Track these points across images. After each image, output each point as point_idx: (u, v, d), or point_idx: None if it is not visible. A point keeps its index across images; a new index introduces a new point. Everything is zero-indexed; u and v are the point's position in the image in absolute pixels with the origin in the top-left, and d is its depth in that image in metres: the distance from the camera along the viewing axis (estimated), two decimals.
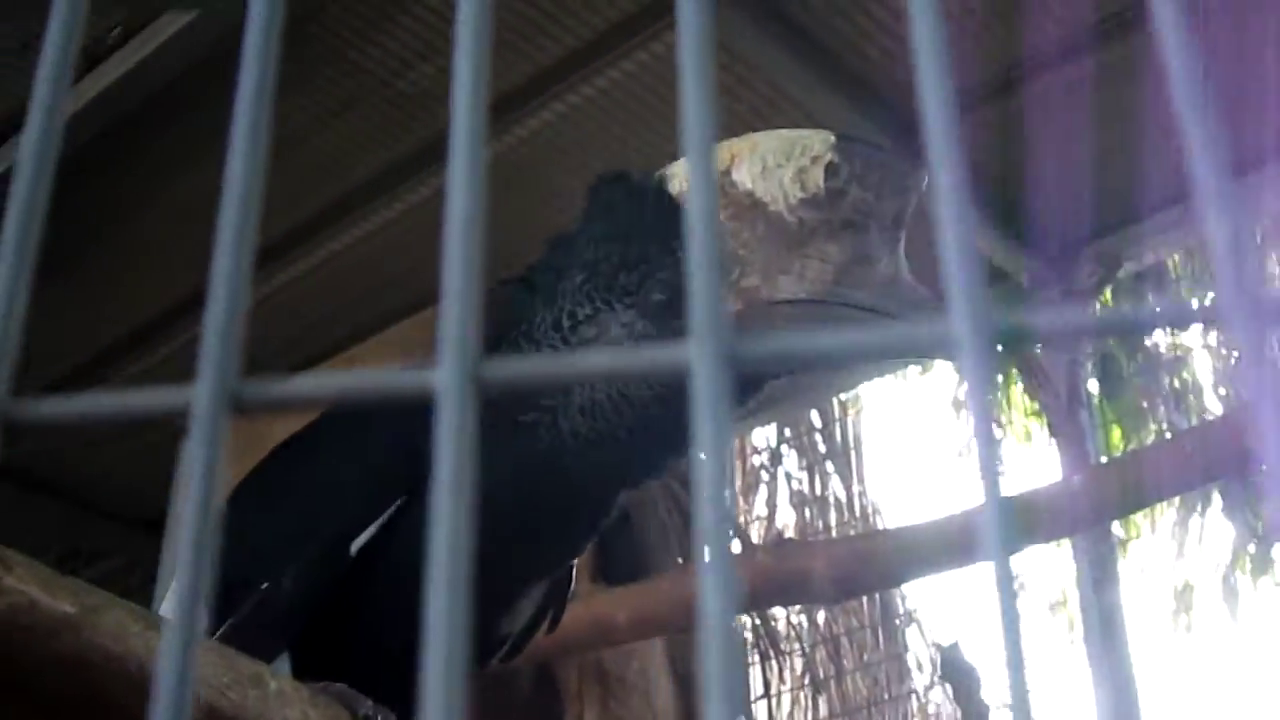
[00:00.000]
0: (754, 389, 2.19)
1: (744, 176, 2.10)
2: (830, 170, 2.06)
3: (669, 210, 2.14)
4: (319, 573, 2.22)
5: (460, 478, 0.58)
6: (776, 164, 2.08)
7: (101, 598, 1.82)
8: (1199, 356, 7.24)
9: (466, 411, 0.58)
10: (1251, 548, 7.76)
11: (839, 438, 7.05)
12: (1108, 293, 5.61)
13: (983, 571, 4.86)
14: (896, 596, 6.58)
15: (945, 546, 4.10)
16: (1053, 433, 4.99)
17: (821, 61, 4.76)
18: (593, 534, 2.33)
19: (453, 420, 0.58)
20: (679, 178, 2.17)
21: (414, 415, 2.29)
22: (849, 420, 7.11)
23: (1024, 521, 3.99)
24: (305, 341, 6.15)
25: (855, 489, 6.92)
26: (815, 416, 6.85)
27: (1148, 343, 6.84)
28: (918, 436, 7.82)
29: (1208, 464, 3.74)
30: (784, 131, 2.15)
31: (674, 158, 4.99)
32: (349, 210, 5.46)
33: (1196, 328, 7.24)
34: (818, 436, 7.03)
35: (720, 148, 2.13)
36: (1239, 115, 4.86)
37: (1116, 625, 4.41)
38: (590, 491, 2.23)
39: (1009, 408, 7.50)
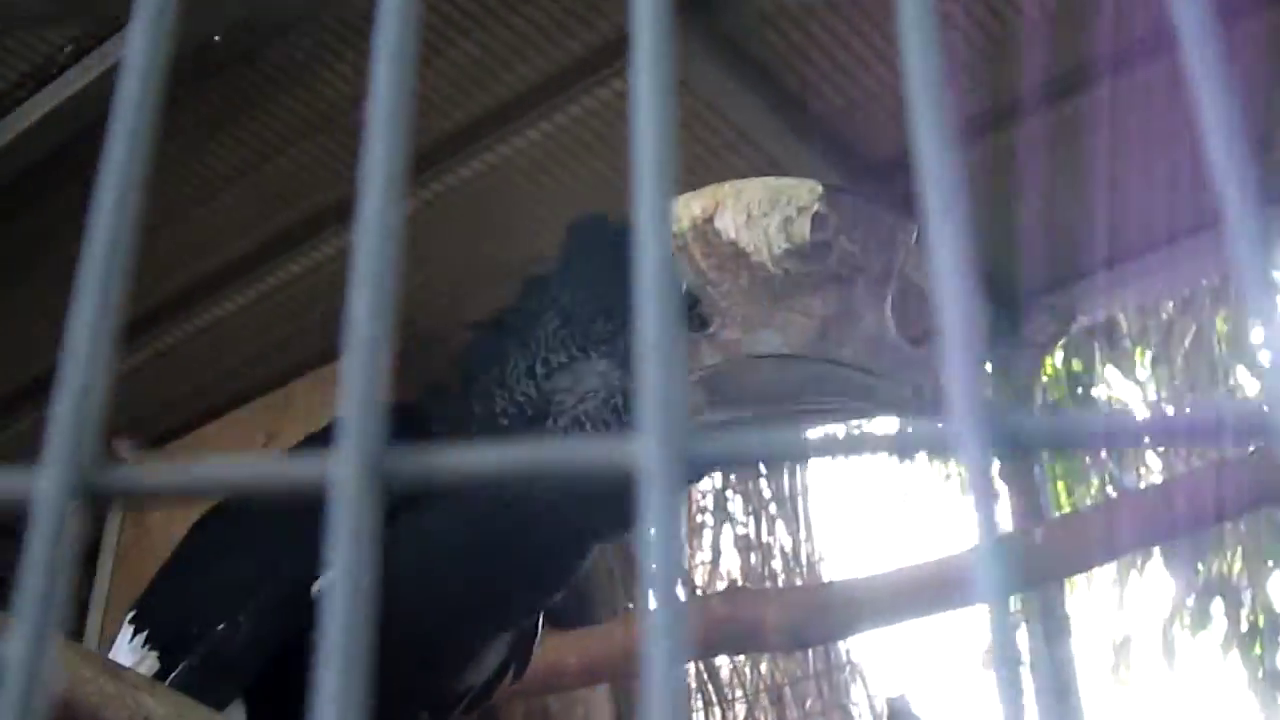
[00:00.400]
0: (703, 474, 2.14)
1: (727, 224, 2.03)
2: (817, 221, 1.99)
3: (607, 264, 2.06)
4: (277, 615, 2.13)
5: (356, 583, 0.50)
6: (762, 213, 2.01)
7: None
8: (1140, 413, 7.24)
9: (366, 507, 0.50)
10: (1190, 601, 7.78)
11: (784, 485, 7.00)
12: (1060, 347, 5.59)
13: (932, 624, 4.82)
14: (840, 646, 6.52)
15: (898, 599, 4.04)
16: (1006, 484, 4.95)
17: (783, 104, 4.73)
18: (561, 586, 2.25)
19: (350, 518, 0.50)
20: (707, 219, 2.09)
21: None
22: (795, 467, 7.07)
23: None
24: (247, 373, 6.05)
25: (800, 537, 6.87)
26: (761, 463, 6.78)
27: (1095, 396, 6.86)
28: (862, 485, 7.77)
29: (1172, 518, 3.70)
30: (770, 180, 2.08)
31: (627, 193, 4.98)
32: (304, 237, 5.38)
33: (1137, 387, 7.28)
34: (763, 483, 6.98)
35: (704, 193, 2.07)
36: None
37: (1069, 679, 4.37)
38: (556, 545, 2.15)
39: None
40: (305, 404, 5.68)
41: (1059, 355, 5.88)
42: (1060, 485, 6.52)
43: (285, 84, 4.74)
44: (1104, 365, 6.98)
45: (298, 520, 2.21)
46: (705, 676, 6.31)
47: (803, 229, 1.99)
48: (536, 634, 2.47)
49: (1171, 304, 6.46)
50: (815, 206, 1.99)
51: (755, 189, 2.05)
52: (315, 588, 2.12)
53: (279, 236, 5.40)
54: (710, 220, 2.03)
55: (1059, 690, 4.32)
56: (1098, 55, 4.62)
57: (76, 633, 5.53)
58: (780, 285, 2.00)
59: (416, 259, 5.40)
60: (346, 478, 0.50)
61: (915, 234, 2.04)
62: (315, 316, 5.77)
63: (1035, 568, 3.86)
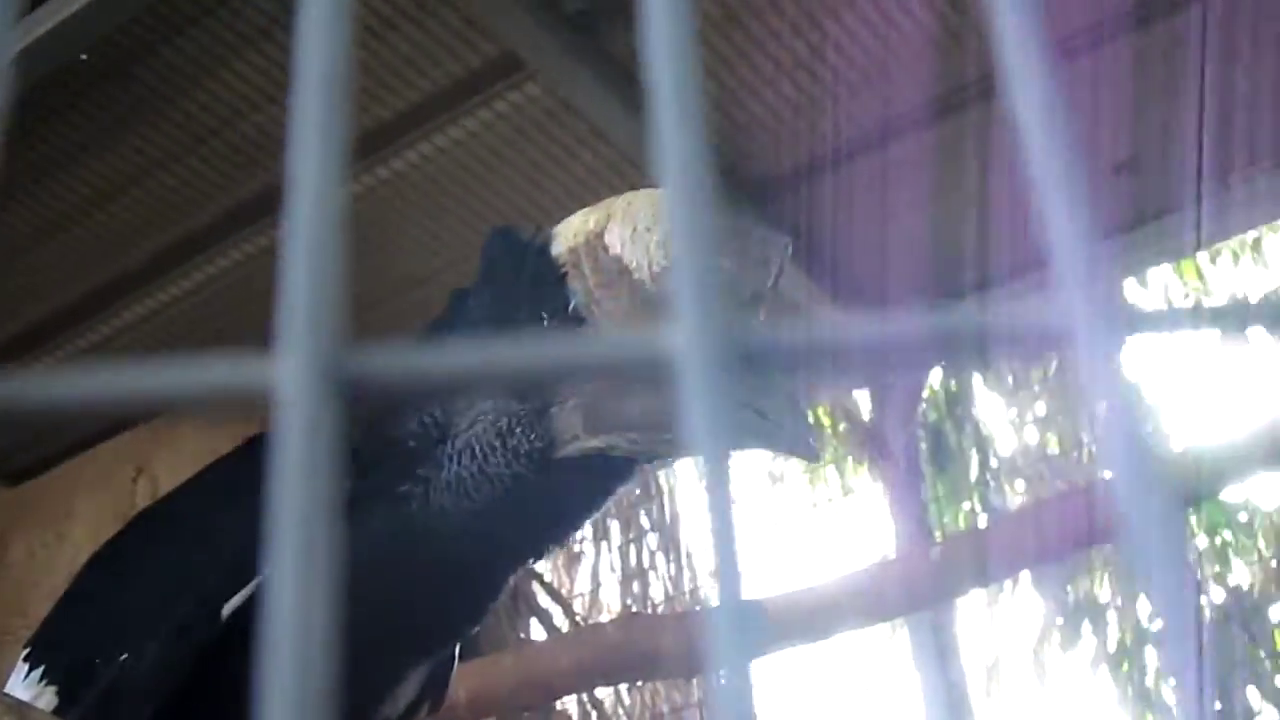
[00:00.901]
0: (631, 471, 2.07)
1: (614, 240, 1.97)
2: None
3: (547, 275, 2.00)
4: (186, 640, 2.03)
5: (311, 521, 0.42)
6: (645, 228, 1.96)
7: None
8: (1021, 433, 7.33)
9: (322, 422, 0.42)
10: (1060, 621, 7.87)
11: (662, 512, 6.96)
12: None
13: (829, 648, 4.81)
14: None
15: (795, 620, 4.01)
16: (891, 504, 4.96)
17: None
18: (478, 615, 2.18)
19: (301, 429, 0.42)
20: (566, 236, 2.03)
21: None
22: (669, 493, 7.03)
23: (874, 595, 3.93)
24: (74, 427, 5.86)
25: (681, 564, 6.83)
26: (636, 489, 6.74)
27: (975, 414, 6.92)
28: (740, 511, 7.75)
29: (1064, 535, 3.71)
30: (660, 192, 2.03)
31: (528, 208, 4.92)
32: (174, 263, 5.22)
33: (1011, 410, 7.35)
34: (640, 510, 6.94)
35: (600, 207, 2.02)
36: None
37: (960, 700, 4.37)
38: (468, 570, 2.08)
39: (846, 475, 7.51)
40: (176, 437, 5.51)
41: (937, 376, 5.91)
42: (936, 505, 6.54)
43: (156, 105, 4.60)
44: (983, 384, 7.06)
45: (204, 541, 2.12)
46: (589, 706, 6.24)
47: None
48: (453, 665, 2.39)
49: None
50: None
51: (643, 202, 2.00)
52: (226, 608, 2.04)
53: (149, 261, 5.24)
54: (600, 235, 1.98)
55: (952, 710, 4.31)
56: (974, 76, 4.66)
57: None
58: (659, 305, 1.94)
59: None
60: (297, 381, 0.42)
61: (788, 251, 2.00)
62: (188, 345, 5.62)
63: (932, 586, 3.85)
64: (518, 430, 1.99)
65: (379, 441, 2.11)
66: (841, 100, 4.72)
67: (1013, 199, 4.98)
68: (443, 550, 2.03)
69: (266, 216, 4.98)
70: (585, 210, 2.03)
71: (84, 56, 4.40)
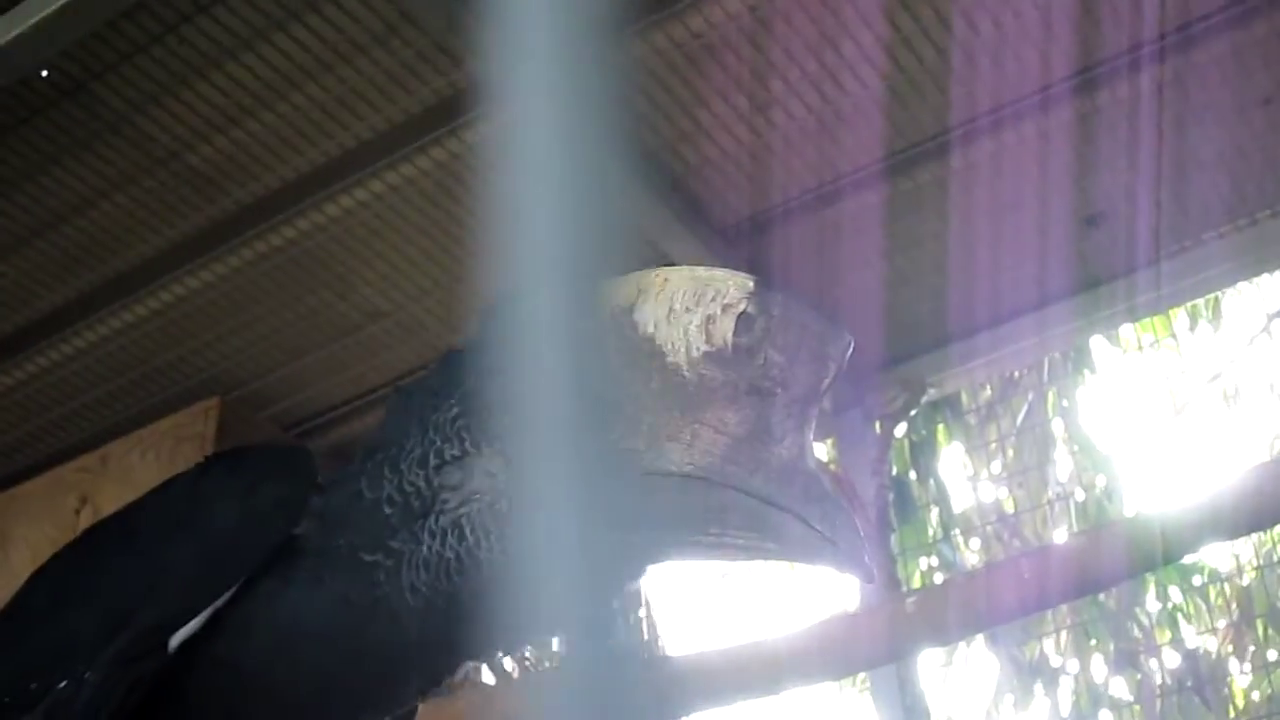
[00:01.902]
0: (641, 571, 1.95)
1: (646, 318, 1.82)
2: (742, 322, 1.79)
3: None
4: (129, 670, 1.90)
5: None
6: (685, 308, 1.82)
7: None
8: (979, 489, 7.27)
9: None
10: (1015, 682, 7.80)
11: None
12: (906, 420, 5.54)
13: (781, 701, 4.69)
14: None
15: (753, 673, 3.91)
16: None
17: (640, 163, 4.60)
18: (425, 691, 2.05)
19: None
20: (628, 309, 1.90)
21: (256, 495, 2.02)
22: None
23: (842, 648, 3.84)
24: (60, 433, 5.73)
25: (644, 612, 6.73)
26: None
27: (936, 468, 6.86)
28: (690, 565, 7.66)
29: (1044, 589, 3.63)
30: (700, 270, 1.87)
31: (475, 249, 4.82)
32: (125, 290, 5.08)
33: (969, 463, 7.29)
34: None
35: (628, 281, 1.88)
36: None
37: None
38: (424, 649, 1.95)
39: None
40: (122, 466, 5.37)
41: (903, 427, 5.83)
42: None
43: (115, 125, 4.48)
44: (947, 439, 6.99)
45: (152, 566, 1.99)
46: None
47: (725, 330, 1.78)
48: (415, 713, 2.27)
49: (1006, 378, 6.48)
50: (742, 305, 1.79)
51: (682, 279, 1.86)
52: (175, 638, 1.91)
53: (97, 289, 5.10)
54: (630, 311, 1.84)
55: None
56: (954, 122, 4.62)
57: None
58: (694, 392, 1.79)
59: (249, 315, 5.17)
60: None
61: (849, 348, 1.86)
62: (134, 375, 5.49)
63: (905, 637, 3.76)
64: (502, 521, 1.87)
65: (348, 497, 1.99)
66: (793, 151, 4.66)
67: (966, 256, 4.95)
68: (403, 630, 1.91)
69: (226, 242, 4.86)
70: (607, 283, 1.89)
71: (44, 73, 4.28)
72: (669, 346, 1.82)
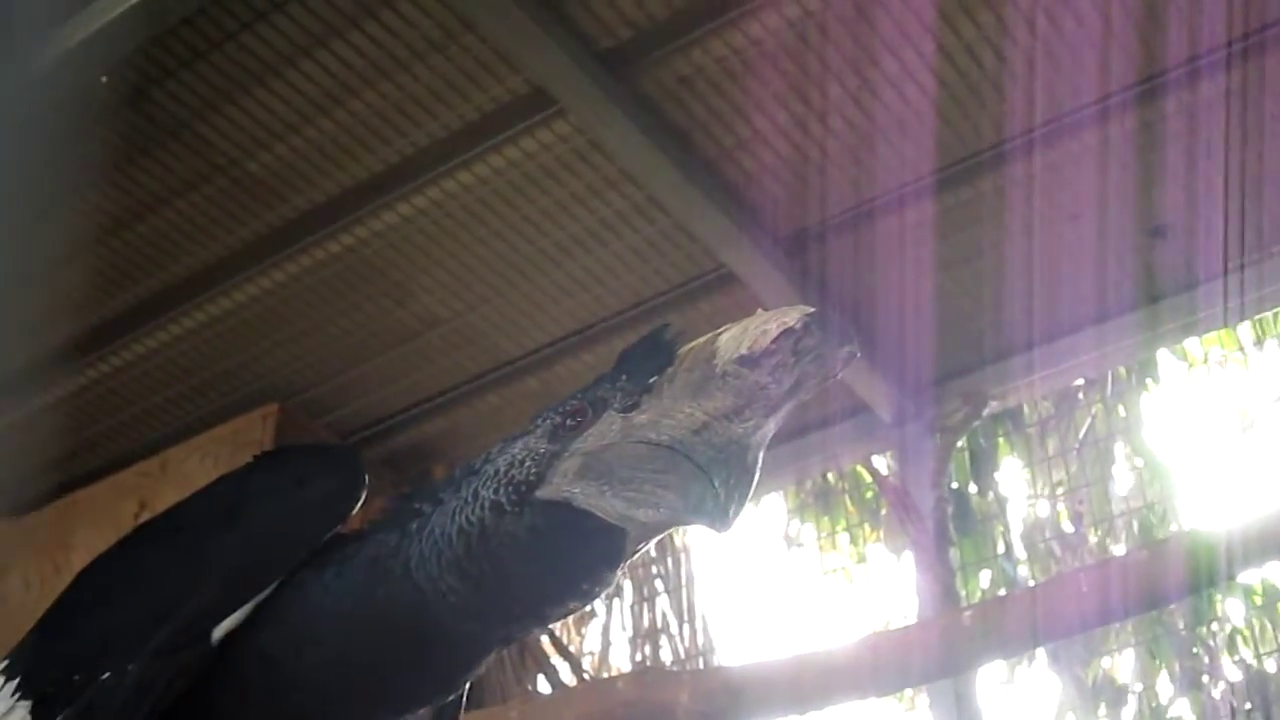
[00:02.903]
0: (630, 554, 1.93)
1: (727, 333, 1.89)
2: (784, 335, 1.84)
3: (658, 356, 1.90)
4: (172, 661, 1.90)
5: None
6: (752, 325, 1.87)
7: None
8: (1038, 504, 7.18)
9: None
10: (1077, 701, 7.69)
11: (675, 572, 6.82)
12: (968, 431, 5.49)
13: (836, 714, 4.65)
14: None
15: (812, 684, 3.87)
16: (918, 568, 4.82)
17: (698, 170, 4.59)
18: (451, 681, 2.04)
19: None
20: (721, 333, 1.93)
21: (302, 492, 2.01)
22: (684, 555, 6.90)
23: (902, 657, 3.79)
24: (121, 439, 5.77)
25: (694, 625, 6.69)
26: (652, 549, 6.59)
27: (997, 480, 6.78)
28: (750, 572, 7.62)
29: (1104, 603, 3.57)
30: (802, 306, 1.94)
31: (551, 250, 4.83)
32: (185, 296, 5.11)
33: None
34: (654, 571, 6.80)
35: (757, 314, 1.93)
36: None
37: None
38: (437, 634, 1.94)
39: (862, 541, 7.36)
40: (181, 471, 5.41)
41: (962, 439, 5.78)
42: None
43: (175, 131, 4.51)
44: (1008, 451, 6.92)
45: (199, 559, 1.99)
46: None
47: (765, 339, 1.84)
48: (460, 707, 2.25)
49: (1069, 391, 6.42)
50: (791, 322, 1.85)
51: (775, 311, 1.92)
52: (217, 630, 1.91)
53: (156, 295, 5.14)
54: (719, 335, 1.90)
55: None
56: (1012, 133, 4.58)
57: None
58: (713, 385, 1.84)
59: (308, 322, 5.19)
60: None
61: (853, 356, 1.89)
62: (193, 382, 5.52)
63: (961, 651, 3.71)
64: (526, 464, 1.88)
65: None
66: (851, 160, 4.63)
67: (1027, 268, 4.90)
68: (420, 615, 1.90)
69: (284, 249, 4.89)
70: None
71: (105, 79, 4.31)
72: (723, 352, 1.84)
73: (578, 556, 1.86)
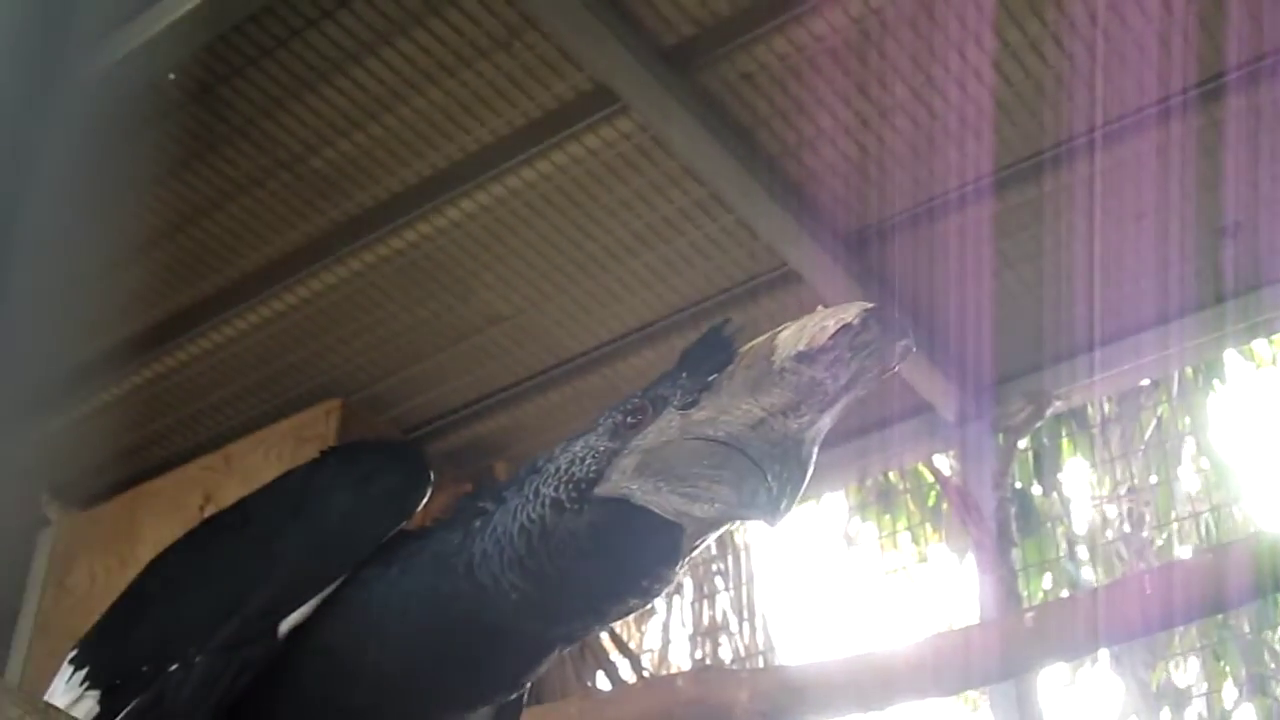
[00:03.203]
0: (689, 551, 1.93)
1: (786, 333, 1.89)
2: (842, 331, 1.84)
3: (719, 352, 1.90)
4: (239, 654, 1.92)
5: None
6: (809, 324, 1.87)
7: None
8: (1105, 505, 7.13)
9: None
10: (1140, 705, 7.63)
11: (736, 570, 6.81)
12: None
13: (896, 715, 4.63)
14: None
15: (874, 683, 3.85)
16: (979, 568, 4.79)
17: (760, 167, 4.58)
18: (515, 679, 2.04)
19: None
20: (781, 331, 1.93)
21: (370, 487, 2.02)
22: (745, 553, 6.89)
23: (963, 658, 3.77)
24: (186, 432, 5.82)
25: (757, 621, 6.69)
26: (712, 547, 6.59)
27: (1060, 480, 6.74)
28: (810, 570, 7.60)
29: (1167, 606, 3.54)
30: (861, 302, 1.94)
31: (614, 247, 4.82)
32: (250, 293, 5.14)
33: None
34: (714, 566, 6.79)
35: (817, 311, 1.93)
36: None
37: None
38: (501, 632, 1.94)
39: (924, 540, 7.33)
40: (245, 465, 5.45)
41: (1026, 438, 5.74)
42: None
43: (241, 129, 4.54)
44: (1071, 452, 6.87)
45: (267, 553, 2.01)
46: None
47: (823, 335, 1.84)
48: (521, 707, 2.26)
49: (1134, 391, 6.36)
50: (850, 318, 1.84)
51: (835, 307, 1.91)
52: (284, 624, 1.92)
53: (221, 292, 5.19)
54: (779, 332, 1.90)
55: None
56: (1076, 131, 4.54)
57: None
58: (770, 381, 1.84)
59: (371, 318, 5.22)
60: None
61: (909, 350, 1.87)
62: (258, 377, 5.56)
63: (1022, 653, 3.68)
64: (586, 461, 1.89)
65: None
66: (913, 158, 4.60)
67: (1090, 267, 4.86)
68: (483, 616, 1.91)
69: (348, 245, 4.91)
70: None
71: (172, 77, 4.35)
72: (781, 349, 1.84)
73: (637, 553, 1.87)
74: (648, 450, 1.86)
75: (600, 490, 1.85)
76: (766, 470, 1.80)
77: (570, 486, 1.88)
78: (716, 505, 1.82)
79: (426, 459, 2.11)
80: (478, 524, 1.95)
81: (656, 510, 1.84)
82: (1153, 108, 4.39)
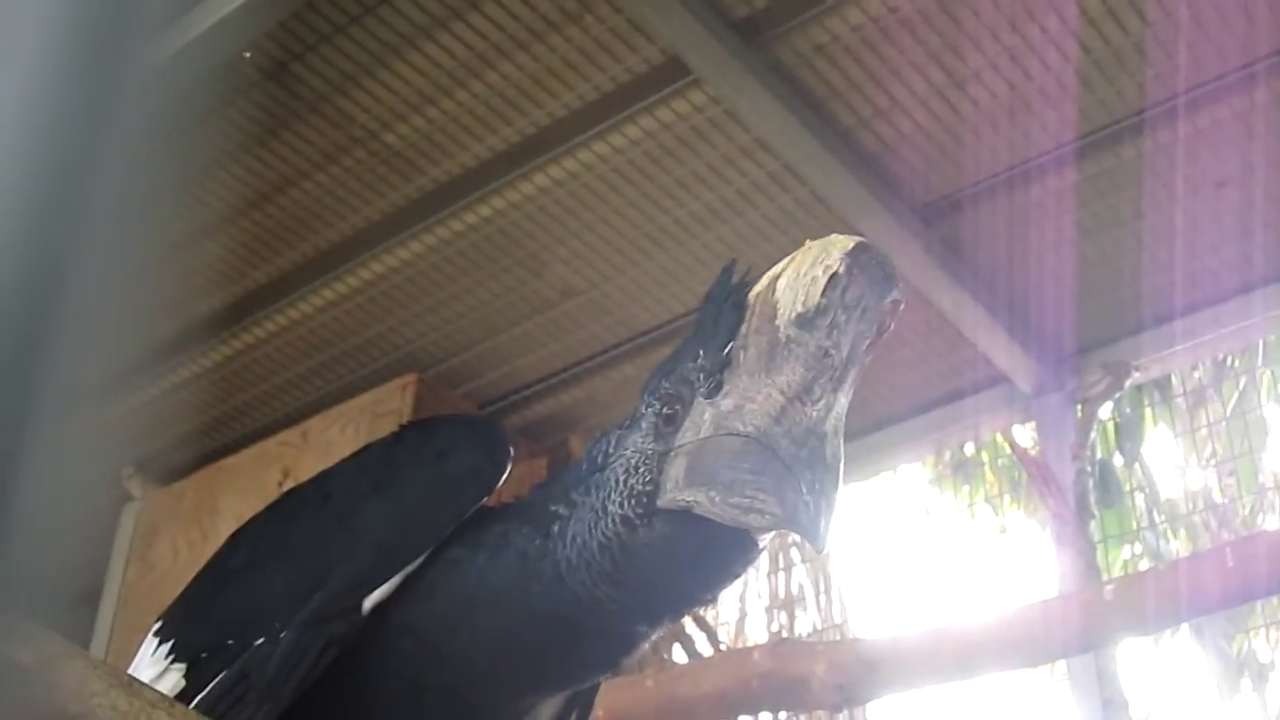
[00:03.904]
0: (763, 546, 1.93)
1: (781, 283, 1.86)
2: (832, 283, 1.82)
3: (726, 312, 1.89)
4: (324, 630, 1.93)
5: None
6: (804, 272, 1.84)
7: (62, 647, 1.50)
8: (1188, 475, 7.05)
9: None
10: (1221, 676, 7.57)
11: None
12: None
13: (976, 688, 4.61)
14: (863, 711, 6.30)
15: (952, 657, 3.83)
16: (1056, 541, 4.74)
17: (834, 139, 4.55)
18: (602, 665, 2.05)
19: None
20: (765, 277, 1.90)
21: (450, 463, 2.03)
22: None
23: (1038, 634, 3.74)
24: (264, 408, 5.87)
25: (833, 594, 6.67)
26: None
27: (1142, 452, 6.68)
28: (887, 542, 7.57)
29: (1249, 579, 3.49)
30: (839, 237, 1.90)
31: (687, 220, 4.81)
32: (325, 268, 5.17)
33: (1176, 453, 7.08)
34: (791, 539, 6.77)
35: (798, 252, 1.90)
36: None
37: None
38: (589, 613, 1.95)
39: (1002, 512, 7.29)
40: (323, 440, 5.49)
41: (1107, 409, 5.67)
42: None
43: (315, 105, 4.56)
44: (1154, 422, 6.80)
45: (349, 528, 2.02)
46: None
47: (816, 291, 1.82)
48: (595, 693, 2.27)
49: (1219, 361, 6.26)
50: (837, 266, 1.81)
51: (817, 245, 1.88)
52: (368, 601, 1.94)
53: (297, 268, 5.22)
54: (776, 278, 1.87)
55: None
56: (1157, 99, 4.47)
57: None
58: (780, 354, 1.83)
59: (445, 293, 5.23)
60: None
61: (897, 309, 1.85)
62: (334, 352, 5.60)
63: (1101, 626, 3.65)
64: (640, 470, 1.89)
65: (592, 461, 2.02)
66: (988, 128, 4.55)
67: (1170, 236, 4.80)
68: (562, 583, 1.92)
69: (422, 220, 4.93)
70: (795, 252, 1.92)
71: (247, 54, 4.37)
72: (780, 309, 1.84)
73: (713, 559, 1.90)
74: (690, 453, 1.87)
75: (662, 502, 1.87)
76: (800, 478, 1.79)
77: (633, 502, 1.90)
78: (766, 517, 1.82)
79: (504, 435, 2.12)
80: (555, 529, 1.95)
81: (719, 520, 1.85)
82: (1235, 74, 4.32)
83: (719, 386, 1.87)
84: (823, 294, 1.81)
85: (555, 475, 2.07)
